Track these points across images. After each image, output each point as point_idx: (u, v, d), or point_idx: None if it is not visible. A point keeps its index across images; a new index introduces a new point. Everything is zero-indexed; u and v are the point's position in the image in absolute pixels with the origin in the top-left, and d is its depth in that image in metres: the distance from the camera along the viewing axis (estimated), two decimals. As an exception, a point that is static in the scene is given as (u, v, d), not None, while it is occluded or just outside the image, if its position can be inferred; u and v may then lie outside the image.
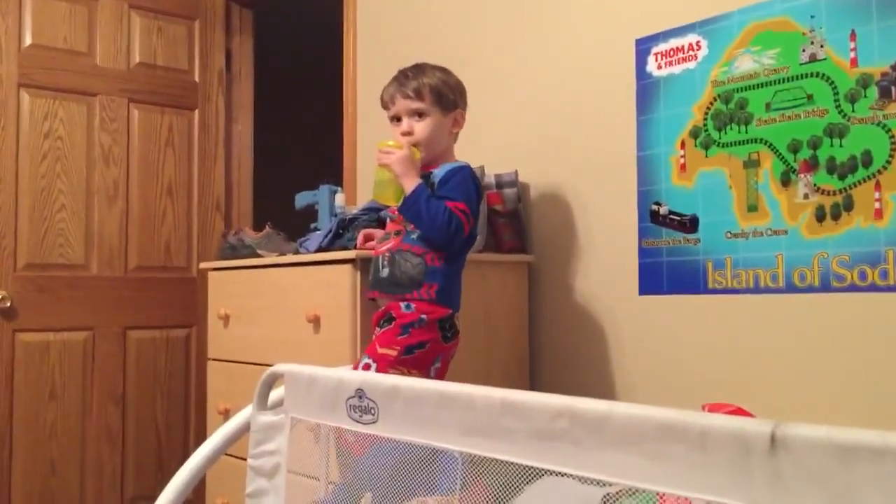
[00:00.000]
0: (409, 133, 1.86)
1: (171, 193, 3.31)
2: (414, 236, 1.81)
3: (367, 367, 1.73)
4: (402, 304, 1.78)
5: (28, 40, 2.97)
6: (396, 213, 1.86)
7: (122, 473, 3.13)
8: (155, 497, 1.44)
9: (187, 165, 3.37)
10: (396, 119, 1.90)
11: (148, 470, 3.20)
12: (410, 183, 1.78)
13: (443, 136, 1.90)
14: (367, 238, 2.02)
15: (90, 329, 3.08)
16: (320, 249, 2.14)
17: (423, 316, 1.75)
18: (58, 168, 3.02)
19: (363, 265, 1.96)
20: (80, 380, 3.04)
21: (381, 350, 1.75)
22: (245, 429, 1.42)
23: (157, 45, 3.28)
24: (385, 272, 1.82)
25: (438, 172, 1.84)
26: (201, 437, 3.01)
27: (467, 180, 1.82)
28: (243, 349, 2.37)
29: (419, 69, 1.91)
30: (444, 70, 1.93)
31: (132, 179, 3.21)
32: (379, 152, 1.83)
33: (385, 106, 1.93)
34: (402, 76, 1.90)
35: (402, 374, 1.72)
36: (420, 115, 1.86)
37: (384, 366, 1.72)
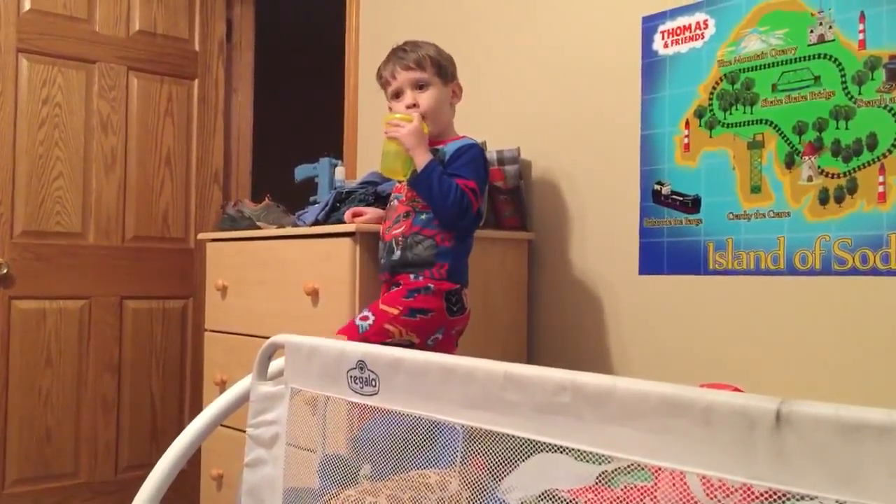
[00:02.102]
0: (414, 105, 1.85)
1: (169, 164, 3.29)
2: (423, 217, 1.81)
3: (364, 319, 1.76)
4: (411, 275, 1.80)
5: (27, 5, 2.94)
6: (404, 192, 1.86)
7: (117, 442, 3.14)
8: (149, 466, 1.44)
9: (186, 136, 3.34)
10: (396, 95, 1.90)
11: (142, 440, 3.20)
12: (422, 158, 1.78)
13: (446, 108, 1.91)
14: (356, 215, 2.02)
15: (87, 298, 3.07)
16: (317, 223, 2.14)
17: (431, 285, 1.77)
18: (56, 135, 3.00)
19: (363, 239, 1.96)
20: (75, 348, 3.04)
21: (382, 306, 1.78)
22: (242, 399, 1.41)
23: (157, 12, 3.25)
24: (397, 255, 1.82)
25: (448, 148, 1.84)
26: (196, 408, 3.01)
27: (477, 159, 1.84)
28: (241, 321, 2.37)
29: (414, 44, 1.91)
30: (434, 44, 1.93)
31: (130, 149, 3.19)
32: (387, 125, 1.81)
33: (385, 83, 1.92)
34: (400, 51, 1.90)
35: (398, 333, 1.76)
36: (422, 86, 1.86)
37: (381, 321, 1.76)
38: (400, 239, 1.82)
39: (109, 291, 3.13)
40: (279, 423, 1.28)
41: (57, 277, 3.00)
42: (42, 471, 2.95)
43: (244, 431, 1.33)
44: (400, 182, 1.88)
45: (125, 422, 3.16)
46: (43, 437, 2.96)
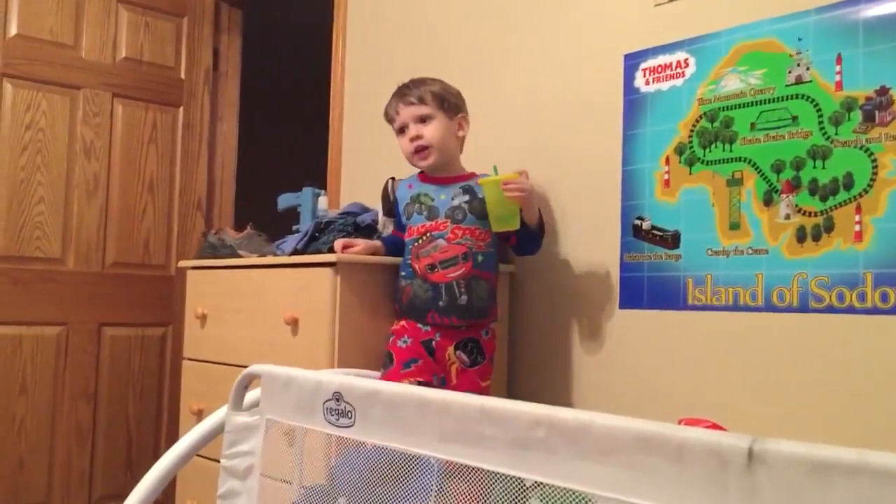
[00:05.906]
0: (418, 137, 1.90)
1: (152, 190, 3.28)
2: (480, 259, 1.88)
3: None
4: (483, 332, 1.92)
5: (13, 30, 2.94)
6: (448, 230, 1.87)
7: (91, 472, 3.10)
8: (123, 496, 1.42)
9: (170, 163, 3.34)
10: (401, 130, 1.95)
11: (117, 469, 3.16)
12: (534, 210, 1.94)
13: (452, 140, 1.96)
14: (346, 246, 2.00)
15: (64, 324, 3.05)
16: (295, 252, 2.13)
17: (492, 335, 1.95)
18: (38, 160, 2.99)
19: (344, 269, 1.95)
20: (51, 375, 3.00)
21: (483, 383, 1.91)
22: (219, 430, 1.40)
23: (143, 40, 3.26)
24: (463, 299, 1.86)
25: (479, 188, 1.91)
26: (173, 437, 2.98)
27: None
28: (219, 350, 2.35)
29: (418, 80, 1.97)
30: (441, 80, 1.99)
31: (113, 175, 3.18)
32: (510, 185, 1.83)
33: (390, 120, 1.98)
34: (403, 88, 1.96)
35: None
36: (424, 120, 1.91)
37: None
38: (461, 281, 1.85)
39: (88, 318, 3.10)
40: (254, 455, 1.27)
41: (34, 303, 2.97)
42: (13, 500, 2.90)
43: (220, 462, 1.32)
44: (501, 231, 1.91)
45: (100, 451, 3.12)
46: (15, 465, 2.91)
